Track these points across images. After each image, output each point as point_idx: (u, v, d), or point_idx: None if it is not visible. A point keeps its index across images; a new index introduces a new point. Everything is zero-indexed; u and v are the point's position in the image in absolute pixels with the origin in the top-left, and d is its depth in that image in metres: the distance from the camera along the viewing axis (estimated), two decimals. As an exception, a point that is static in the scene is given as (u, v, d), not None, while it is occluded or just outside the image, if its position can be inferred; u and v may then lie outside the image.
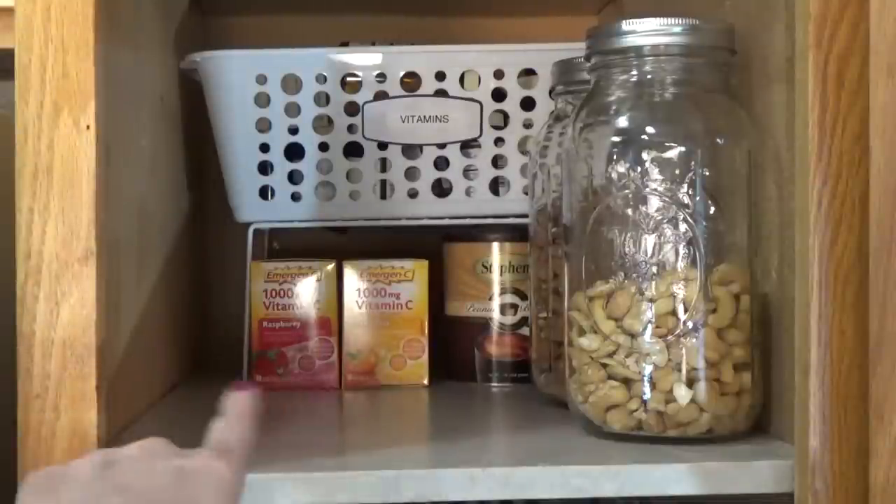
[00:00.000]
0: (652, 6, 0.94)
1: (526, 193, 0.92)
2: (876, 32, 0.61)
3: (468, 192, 0.96)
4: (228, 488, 0.53)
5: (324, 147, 0.94)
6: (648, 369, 0.70)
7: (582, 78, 0.80)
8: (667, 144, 0.72)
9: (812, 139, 0.62)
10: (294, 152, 0.94)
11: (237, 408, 0.58)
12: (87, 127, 0.64)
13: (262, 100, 0.93)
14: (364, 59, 0.94)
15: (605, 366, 0.72)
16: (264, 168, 0.95)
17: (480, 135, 0.95)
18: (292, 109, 0.94)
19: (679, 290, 0.70)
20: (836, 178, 0.62)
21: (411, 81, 0.94)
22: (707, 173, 0.72)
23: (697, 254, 0.71)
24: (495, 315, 0.98)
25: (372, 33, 1.09)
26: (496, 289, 0.97)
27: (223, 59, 0.94)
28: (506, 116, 0.95)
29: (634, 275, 0.71)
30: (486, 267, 0.98)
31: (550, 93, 0.89)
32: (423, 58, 0.94)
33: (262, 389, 0.60)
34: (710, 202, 0.71)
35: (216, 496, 0.52)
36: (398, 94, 0.94)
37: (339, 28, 1.12)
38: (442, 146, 0.95)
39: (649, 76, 0.73)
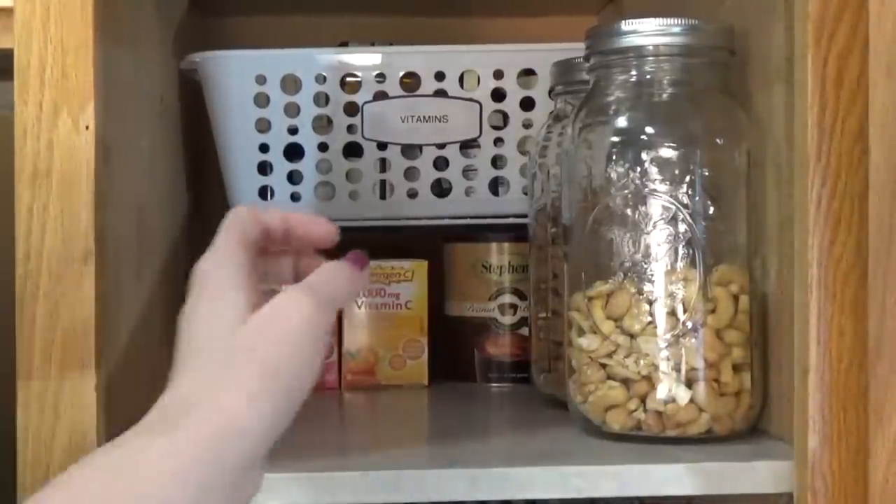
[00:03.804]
0: (651, 6, 0.94)
1: (525, 193, 0.92)
2: (875, 32, 0.61)
3: (468, 192, 0.96)
4: (311, 326, 0.52)
5: (323, 147, 0.94)
6: (647, 369, 0.70)
7: (581, 78, 0.80)
8: (666, 144, 0.72)
9: (811, 139, 0.62)
10: (293, 152, 0.94)
11: (343, 264, 0.57)
12: (87, 127, 0.64)
13: (262, 100, 0.93)
14: (363, 60, 0.94)
15: (604, 366, 0.72)
16: (263, 168, 0.95)
17: (480, 135, 0.95)
18: (292, 110, 0.94)
19: (678, 290, 0.70)
20: (835, 177, 0.62)
21: (411, 82, 0.94)
22: (706, 173, 0.72)
23: (697, 254, 0.71)
24: (495, 315, 0.98)
25: (371, 33, 1.09)
26: (496, 289, 0.97)
27: (223, 59, 0.93)
28: (505, 116, 0.95)
29: (633, 275, 0.71)
30: (485, 267, 0.98)
31: (550, 93, 0.89)
32: (422, 58, 0.94)
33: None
34: (709, 202, 0.71)
35: (297, 334, 0.52)
36: (398, 95, 0.94)
37: (339, 28, 1.12)
38: (441, 146, 0.95)
39: (649, 76, 0.73)
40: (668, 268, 0.71)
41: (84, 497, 0.47)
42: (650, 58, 0.73)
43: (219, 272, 0.55)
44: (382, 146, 0.94)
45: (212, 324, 0.53)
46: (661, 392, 0.70)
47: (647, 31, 0.73)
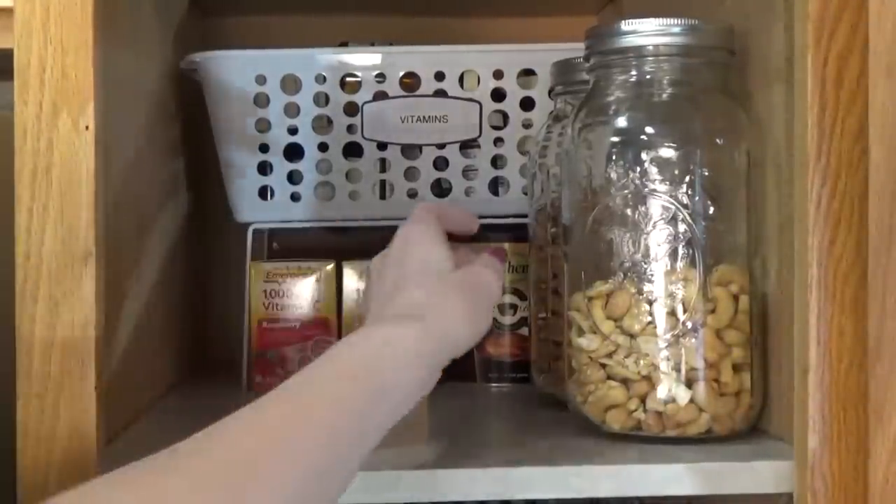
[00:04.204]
0: (651, 6, 0.94)
1: (525, 193, 0.92)
2: (875, 33, 0.61)
3: (468, 193, 0.96)
4: (495, 290, 0.67)
5: (323, 147, 0.94)
6: (647, 369, 0.70)
7: (581, 78, 0.80)
8: (666, 144, 0.72)
9: (811, 139, 0.62)
10: (293, 152, 0.94)
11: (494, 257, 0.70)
12: (87, 127, 0.64)
13: (262, 100, 0.93)
14: (363, 60, 0.94)
15: (604, 366, 0.72)
16: (263, 168, 0.95)
17: (480, 135, 0.95)
18: (292, 110, 0.94)
19: (678, 290, 0.70)
20: (834, 177, 0.62)
21: (410, 82, 0.94)
22: (706, 173, 0.72)
23: (696, 254, 0.71)
24: (495, 315, 0.97)
25: (371, 33, 1.09)
26: (496, 289, 0.97)
27: (223, 59, 0.93)
28: (505, 116, 0.95)
29: (633, 275, 0.71)
30: (485, 267, 0.98)
31: (550, 93, 0.89)
32: (422, 58, 0.94)
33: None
34: (709, 202, 0.71)
35: (489, 291, 0.66)
36: (397, 95, 0.94)
37: (339, 28, 1.12)
38: (441, 146, 0.95)
39: (648, 76, 0.73)
40: (668, 268, 0.71)
41: (352, 369, 0.58)
42: (650, 58, 0.73)
43: (426, 232, 0.67)
44: (382, 146, 0.94)
45: (428, 262, 0.65)
46: (661, 392, 0.70)
47: (646, 31, 0.73)
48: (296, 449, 0.53)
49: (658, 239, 0.71)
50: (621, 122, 0.74)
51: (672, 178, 0.71)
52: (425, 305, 0.62)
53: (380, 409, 0.57)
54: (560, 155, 0.80)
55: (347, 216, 0.96)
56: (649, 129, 0.73)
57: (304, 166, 0.94)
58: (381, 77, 0.94)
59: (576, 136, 0.75)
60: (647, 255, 0.71)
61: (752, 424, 0.73)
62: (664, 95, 0.74)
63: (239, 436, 0.53)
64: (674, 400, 0.70)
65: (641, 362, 0.70)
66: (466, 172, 0.96)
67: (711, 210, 0.71)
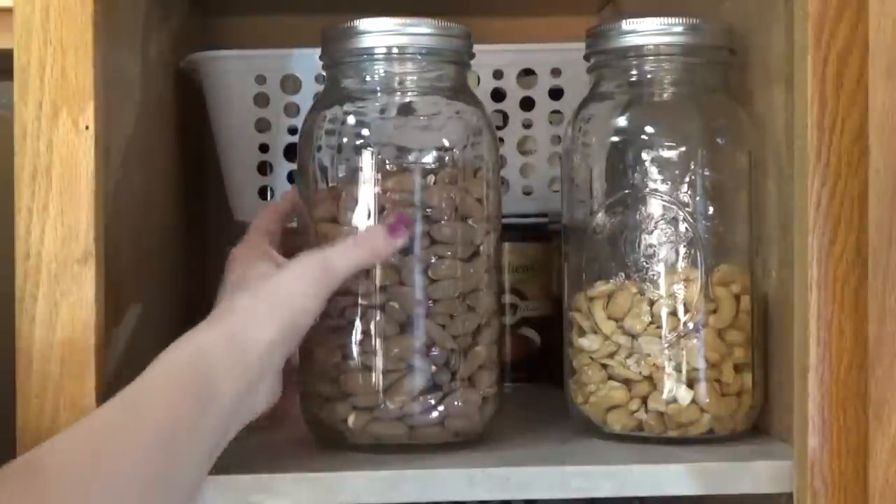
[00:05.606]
0: (651, 6, 0.94)
1: (526, 193, 0.92)
2: (875, 33, 0.61)
3: (468, 192, 0.96)
4: (312, 286, 0.67)
5: (323, 147, 0.94)
6: (649, 370, 0.70)
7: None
8: (667, 144, 0.72)
9: (811, 139, 0.62)
10: (293, 152, 0.94)
11: (368, 237, 0.69)
12: (87, 127, 0.64)
13: (262, 100, 0.93)
14: (363, 60, 0.94)
15: (605, 366, 0.72)
16: (263, 168, 0.95)
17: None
18: (291, 109, 0.94)
19: (680, 290, 0.70)
20: (834, 178, 0.62)
21: (411, 81, 0.93)
22: (707, 173, 0.72)
23: (698, 254, 0.71)
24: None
25: (371, 33, 1.08)
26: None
27: (223, 59, 0.93)
28: (505, 117, 0.95)
29: (635, 275, 0.71)
30: (485, 267, 0.98)
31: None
32: (422, 58, 0.94)
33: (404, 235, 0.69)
34: (710, 202, 0.71)
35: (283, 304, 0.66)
36: (398, 95, 0.93)
37: (339, 28, 1.11)
38: (441, 146, 0.94)
39: (649, 76, 0.73)
40: (670, 268, 0.71)
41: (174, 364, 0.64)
42: (650, 57, 0.73)
43: (247, 247, 0.73)
44: (382, 146, 0.94)
45: (245, 278, 0.69)
46: (663, 392, 0.70)
47: (647, 31, 0.73)
48: (130, 455, 0.58)
49: (659, 239, 0.71)
50: (621, 122, 0.74)
51: (673, 177, 0.71)
52: (232, 310, 0.66)
53: (210, 412, 0.62)
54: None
55: (347, 216, 0.96)
56: (649, 129, 0.73)
57: (304, 166, 0.94)
58: (381, 77, 0.93)
59: (576, 136, 0.75)
60: (648, 255, 0.71)
61: (753, 425, 0.73)
62: (665, 95, 0.74)
63: (74, 447, 0.58)
64: (675, 400, 0.70)
65: (643, 363, 0.70)
66: (466, 172, 0.96)
67: (712, 210, 0.71)
